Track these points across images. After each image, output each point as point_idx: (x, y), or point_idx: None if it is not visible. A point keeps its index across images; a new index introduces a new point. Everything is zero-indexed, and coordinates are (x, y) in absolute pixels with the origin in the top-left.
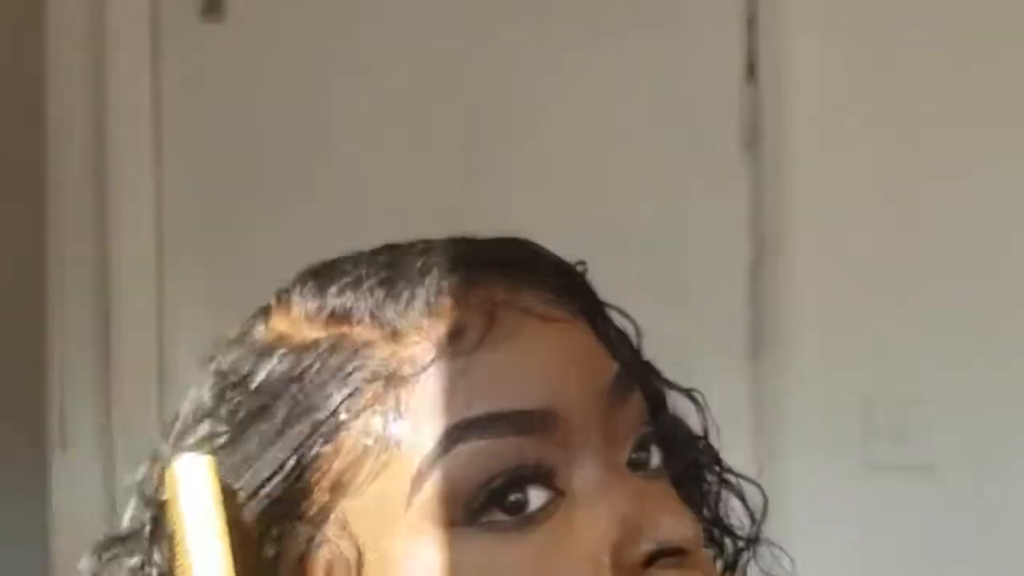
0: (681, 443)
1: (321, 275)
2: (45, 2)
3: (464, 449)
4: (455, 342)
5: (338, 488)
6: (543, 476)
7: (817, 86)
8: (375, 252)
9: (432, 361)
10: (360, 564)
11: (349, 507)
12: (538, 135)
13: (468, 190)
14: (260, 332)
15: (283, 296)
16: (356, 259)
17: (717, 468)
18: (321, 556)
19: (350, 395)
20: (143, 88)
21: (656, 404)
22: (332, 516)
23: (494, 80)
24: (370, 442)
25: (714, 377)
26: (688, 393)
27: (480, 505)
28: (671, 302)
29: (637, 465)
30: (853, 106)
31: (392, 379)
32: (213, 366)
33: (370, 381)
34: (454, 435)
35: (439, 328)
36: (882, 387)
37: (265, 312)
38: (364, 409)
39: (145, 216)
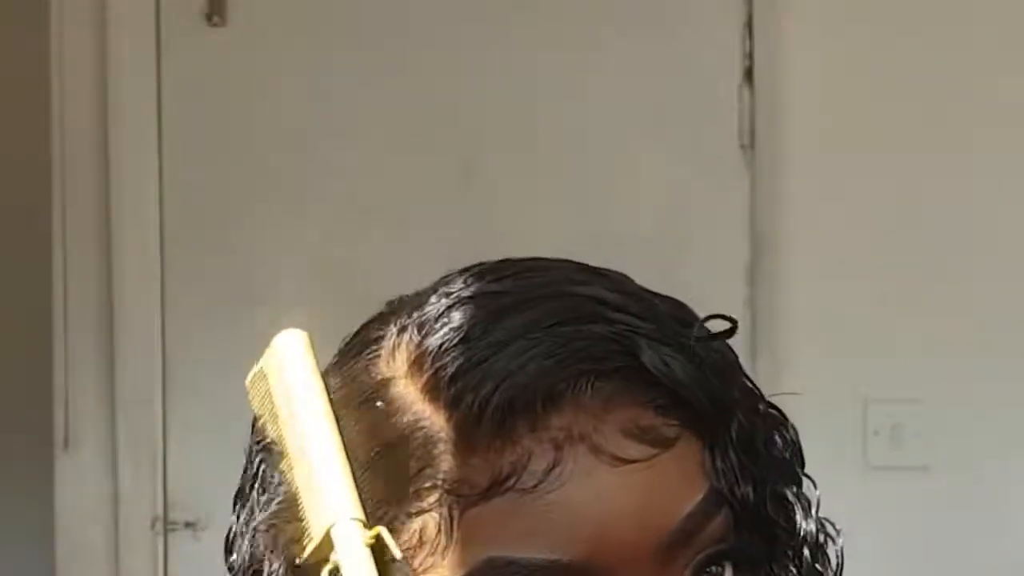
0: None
1: (433, 327)
2: (49, 7)
3: None
4: (514, 476)
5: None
6: None
7: (815, 87)
8: (482, 303)
9: (488, 490)
10: None
11: None
12: (538, 135)
13: (468, 191)
14: (369, 366)
15: (395, 328)
16: (464, 312)
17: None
18: None
19: (415, 494)
20: (146, 92)
21: (757, 514)
22: None
23: (494, 81)
24: (422, 543)
25: None
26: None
27: None
28: None
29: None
30: (850, 107)
31: (451, 493)
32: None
33: (433, 488)
34: (485, 571)
35: (506, 455)
36: (880, 388)
37: (377, 341)
38: (424, 512)
39: (148, 217)
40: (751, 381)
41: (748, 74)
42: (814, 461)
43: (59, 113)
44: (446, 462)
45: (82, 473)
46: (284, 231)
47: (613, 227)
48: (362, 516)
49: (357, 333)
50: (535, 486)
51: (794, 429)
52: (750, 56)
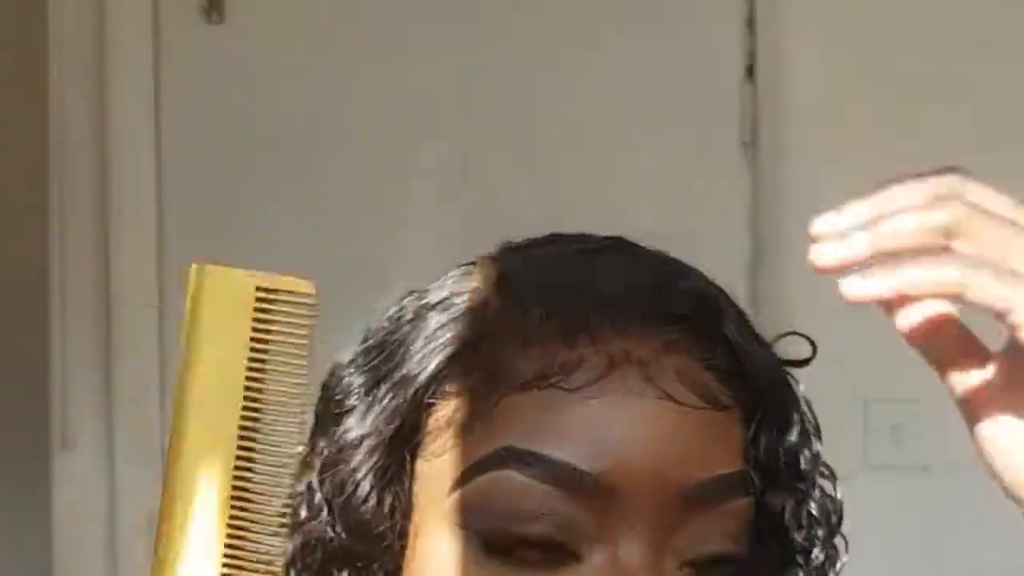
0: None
1: (516, 253)
2: (46, 5)
3: (498, 476)
4: (562, 374)
5: (419, 446)
6: (563, 532)
7: (816, 86)
8: (582, 243)
9: (531, 382)
10: (408, 521)
11: (420, 468)
12: (538, 135)
13: (468, 190)
14: (464, 280)
15: (489, 256)
16: (545, 248)
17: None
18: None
19: (463, 371)
20: (144, 89)
21: (779, 521)
22: (407, 468)
23: (494, 80)
24: (453, 422)
25: None
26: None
27: (498, 530)
28: None
29: (706, 570)
30: (852, 106)
31: (496, 378)
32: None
33: (480, 370)
34: (498, 457)
35: (561, 354)
36: (880, 388)
37: (476, 262)
38: (463, 393)
39: (146, 216)
40: (809, 406)
41: (749, 72)
42: None
43: (57, 110)
44: (505, 350)
45: (80, 472)
46: (283, 230)
47: (613, 225)
48: None
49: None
50: (579, 388)
51: (833, 474)
52: (751, 54)
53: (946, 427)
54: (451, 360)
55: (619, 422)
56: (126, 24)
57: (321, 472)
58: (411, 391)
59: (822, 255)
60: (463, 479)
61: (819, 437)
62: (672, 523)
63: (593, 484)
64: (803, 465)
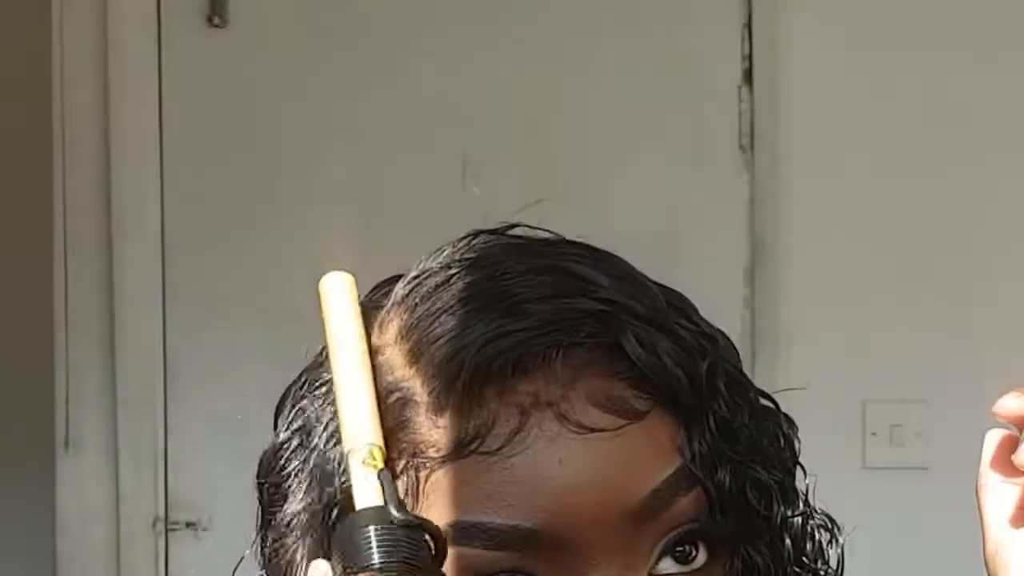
0: (757, 533)
1: (421, 297)
2: (50, 9)
3: (455, 551)
4: (479, 439)
5: None
6: None
7: (814, 88)
8: (469, 266)
9: (453, 453)
10: None
11: None
12: (537, 136)
13: (467, 191)
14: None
15: (390, 301)
16: (453, 284)
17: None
18: None
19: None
20: (147, 93)
21: (736, 491)
22: None
23: (494, 81)
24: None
25: None
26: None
27: None
28: None
29: (682, 560)
30: (849, 109)
31: (417, 455)
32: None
33: (402, 452)
34: (449, 535)
35: (472, 418)
36: (878, 389)
37: (374, 312)
38: (393, 477)
39: (149, 219)
40: (744, 375)
41: (748, 75)
42: (813, 461)
43: (60, 114)
44: (416, 426)
45: (83, 474)
46: (284, 231)
47: (612, 227)
48: (380, 442)
49: (363, 304)
50: (498, 449)
51: (789, 420)
52: (749, 57)
53: (946, 427)
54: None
55: (546, 471)
56: (129, 28)
57: (267, 563)
58: (335, 477)
59: (1005, 404)
60: None
61: (751, 388)
62: (630, 542)
63: (542, 538)
64: (738, 433)
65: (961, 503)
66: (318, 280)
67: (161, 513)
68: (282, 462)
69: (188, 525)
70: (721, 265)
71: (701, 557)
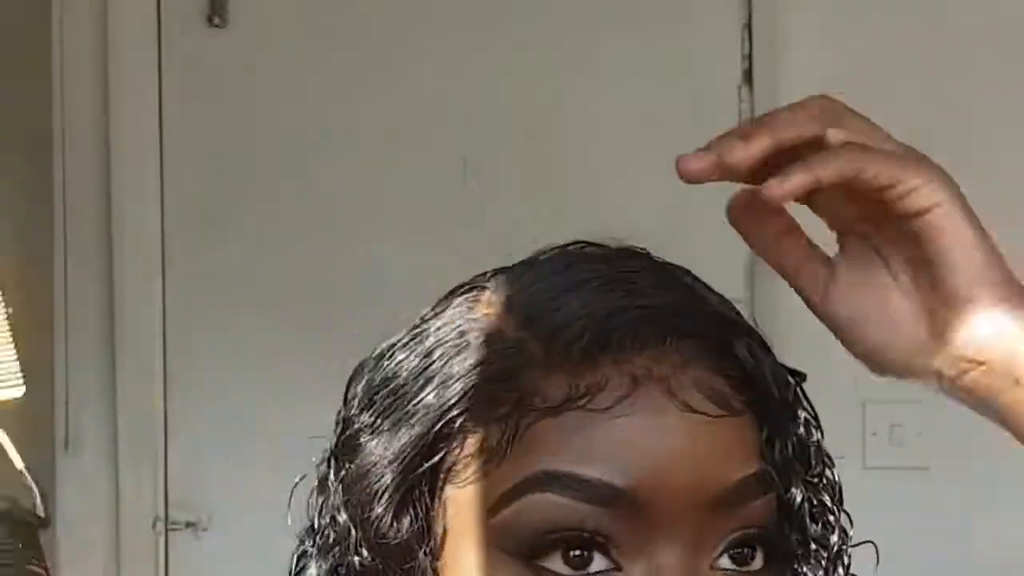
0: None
1: (527, 273)
2: (50, 9)
3: (538, 498)
4: (588, 396)
5: (450, 473)
6: (603, 547)
7: (814, 88)
8: (596, 261)
9: (560, 406)
10: (443, 544)
11: (451, 494)
12: (538, 136)
13: (468, 191)
14: (473, 308)
15: (491, 282)
16: (565, 262)
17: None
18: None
19: (490, 401)
20: (147, 92)
21: (795, 509)
22: (437, 493)
23: (494, 81)
24: (485, 450)
25: None
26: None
27: (543, 549)
28: None
29: (739, 561)
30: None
31: (522, 404)
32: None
33: (508, 398)
34: (537, 480)
35: (586, 377)
36: (878, 389)
37: (477, 289)
38: (492, 421)
39: (149, 218)
40: (815, 411)
41: (747, 75)
42: None
43: (60, 114)
44: (525, 376)
45: (83, 474)
46: (284, 231)
47: (613, 227)
48: None
49: (461, 285)
50: (607, 408)
51: (830, 458)
52: (749, 57)
53: (946, 427)
54: (476, 390)
55: (647, 438)
56: (129, 28)
57: (345, 495)
58: (436, 421)
59: (692, 160)
60: (502, 502)
61: (820, 429)
62: (702, 527)
63: (629, 499)
64: (812, 457)
65: (961, 503)
66: (318, 280)
67: (161, 513)
68: (370, 408)
69: (188, 525)
70: (721, 265)
71: (757, 563)
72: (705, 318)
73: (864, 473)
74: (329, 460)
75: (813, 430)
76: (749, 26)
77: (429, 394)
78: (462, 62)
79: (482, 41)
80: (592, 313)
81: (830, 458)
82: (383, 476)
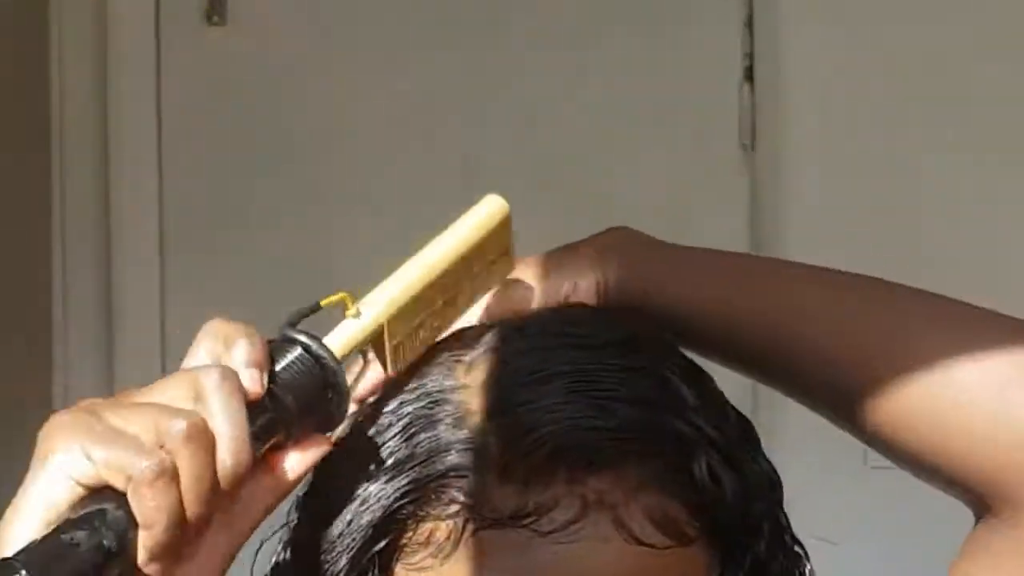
0: None
1: (516, 360)
2: (48, 7)
3: None
4: (535, 516)
5: (401, 552)
6: None
7: (816, 87)
8: (560, 354)
9: (507, 520)
10: None
11: (399, 573)
12: (538, 135)
13: (468, 191)
14: (452, 367)
15: (480, 342)
16: (545, 342)
17: None
18: None
19: (440, 497)
20: (146, 91)
21: None
22: (389, 570)
23: (494, 81)
24: (431, 543)
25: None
26: None
27: None
28: None
29: None
30: (851, 107)
31: (472, 510)
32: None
33: (458, 499)
34: None
35: (535, 494)
36: None
37: (466, 346)
38: (442, 517)
39: (148, 217)
40: (786, 518)
41: (749, 73)
42: (814, 461)
43: (59, 113)
44: (482, 481)
45: None
46: (284, 231)
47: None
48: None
49: (450, 337)
50: (550, 532)
51: (812, 572)
52: (751, 55)
53: None
54: (431, 481)
55: (591, 568)
56: (128, 26)
57: (296, 554)
58: (390, 506)
59: None
60: None
61: (793, 538)
62: None
63: None
64: None
65: (960, 503)
66: (318, 280)
67: None
68: (340, 470)
69: None
70: None
71: None
72: (667, 436)
73: (866, 471)
74: (287, 545)
75: (776, 543)
76: (750, 24)
77: (386, 473)
78: (462, 62)
79: (482, 41)
80: (556, 419)
81: (803, 564)
82: (339, 560)
